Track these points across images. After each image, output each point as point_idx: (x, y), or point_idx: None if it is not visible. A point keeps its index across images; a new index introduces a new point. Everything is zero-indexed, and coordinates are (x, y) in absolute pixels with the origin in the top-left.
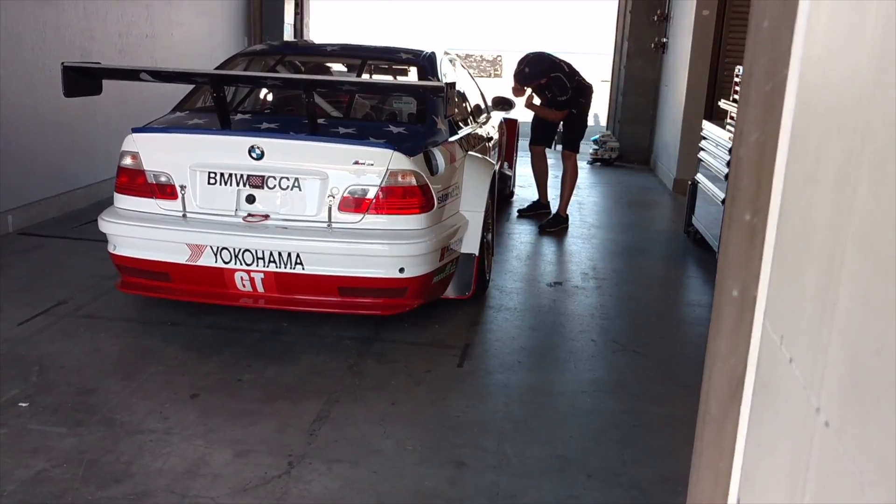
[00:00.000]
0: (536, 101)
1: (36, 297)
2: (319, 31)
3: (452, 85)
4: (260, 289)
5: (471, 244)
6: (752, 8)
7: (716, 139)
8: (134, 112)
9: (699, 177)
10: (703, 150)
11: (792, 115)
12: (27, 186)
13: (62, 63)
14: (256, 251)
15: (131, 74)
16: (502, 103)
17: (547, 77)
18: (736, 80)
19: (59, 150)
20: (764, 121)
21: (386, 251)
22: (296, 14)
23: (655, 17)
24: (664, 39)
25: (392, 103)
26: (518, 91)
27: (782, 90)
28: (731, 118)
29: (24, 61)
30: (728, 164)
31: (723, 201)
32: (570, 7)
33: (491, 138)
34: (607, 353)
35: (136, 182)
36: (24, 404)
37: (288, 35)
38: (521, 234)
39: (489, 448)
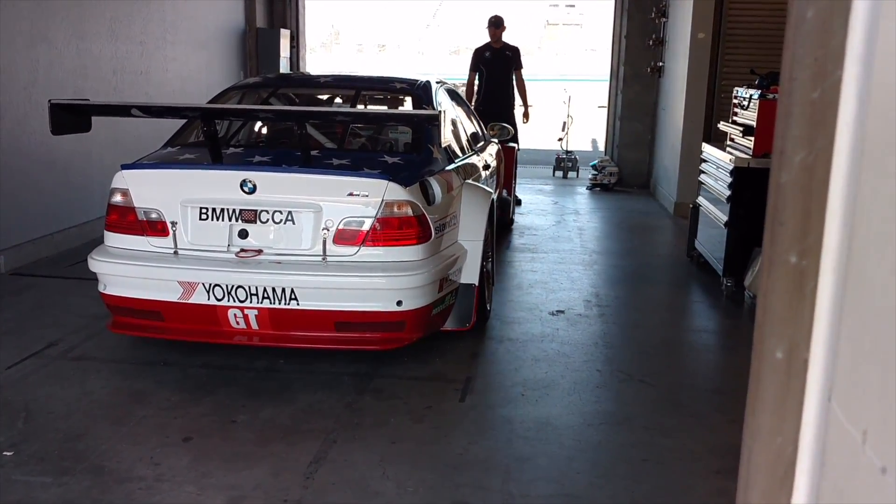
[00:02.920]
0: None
1: (26, 339)
2: (315, 64)
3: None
4: (254, 326)
5: (470, 274)
6: None
7: (716, 161)
8: (128, 149)
9: (700, 200)
10: (703, 172)
11: (851, 127)
12: (20, 226)
13: (49, 100)
14: (250, 287)
15: (121, 110)
16: (500, 131)
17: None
18: (734, 101)
19: (53, 189)
20: (811, 137)
21: (383, 284)
22: (291, 47)
23: (651, 42)
24: (660, 63)
25: (387, 133)
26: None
27: (836, 97)
28: (731, 140)
29: (16, 100)
30: (730, 186)
31: (725, 224)
32: (565, 33)
33: (489, 166)
34: (613, 384)
35: (127, 219)
36: (8, 453)
37: (284, 68)
38: (521, 263)
39: (493, 487)
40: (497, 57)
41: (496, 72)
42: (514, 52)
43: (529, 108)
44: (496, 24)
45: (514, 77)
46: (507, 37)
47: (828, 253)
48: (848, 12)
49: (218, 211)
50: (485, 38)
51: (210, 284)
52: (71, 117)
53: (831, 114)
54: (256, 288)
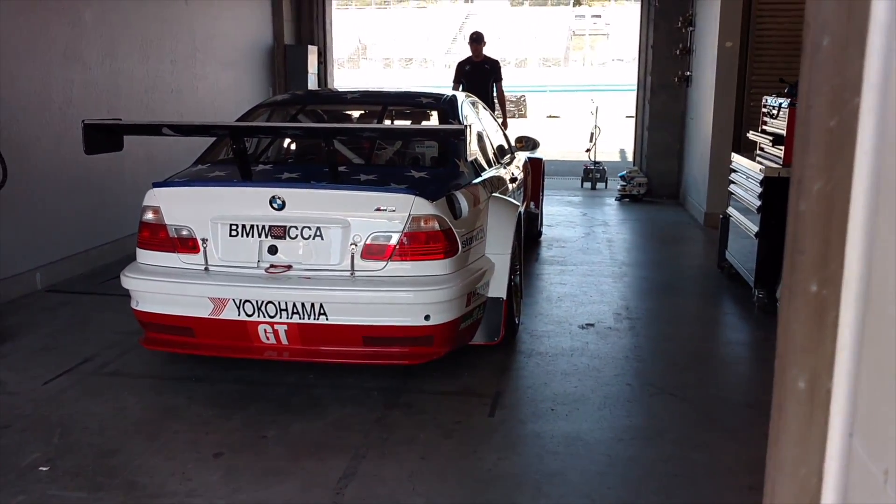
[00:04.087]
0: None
1: (62, 355)
2: (343, 80)
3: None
4: (284, 341)
5: (498, 288)
6: (807, 24)
7: (746, 171)
8: (160, 166)
9: (731, 210)
10: (733, 182)
11: (870, 156)
12: (55, 243)
13: (82, 121)
14: (279, 303)
15: (152, 129)
16: (526, 143)
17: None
18: (764, 110)
19: (87, 206)
20: (830, 165)
21: (411, 298)
22: (319, 63)
23: (678, 51)
24: (688, 73)
25: (414, 148)
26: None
27: (853, 125)
28: (761, 149)
29: (51, 121)
30: (760, 196)
31: (756, 234)
32: (591, 43)
33: (515, 179)
34: (644, 398)
35: (158, 237)
36: (44, 468)
37: (312, 84)
38: (550, 275)
39: (524, 503)
40: (476, 70)
41: (475, 84)
42: (494, 65)
43: (508, 120)
44: (476, 40)
45: (493, 89)
46: (536, 47)
47: (849, 282)
48: (864, 40)
49: (248, 227)
50: (505, 49)
51: (240, 300)
52: (104, 137)
53: (849, 142)
54: (286, 303)
